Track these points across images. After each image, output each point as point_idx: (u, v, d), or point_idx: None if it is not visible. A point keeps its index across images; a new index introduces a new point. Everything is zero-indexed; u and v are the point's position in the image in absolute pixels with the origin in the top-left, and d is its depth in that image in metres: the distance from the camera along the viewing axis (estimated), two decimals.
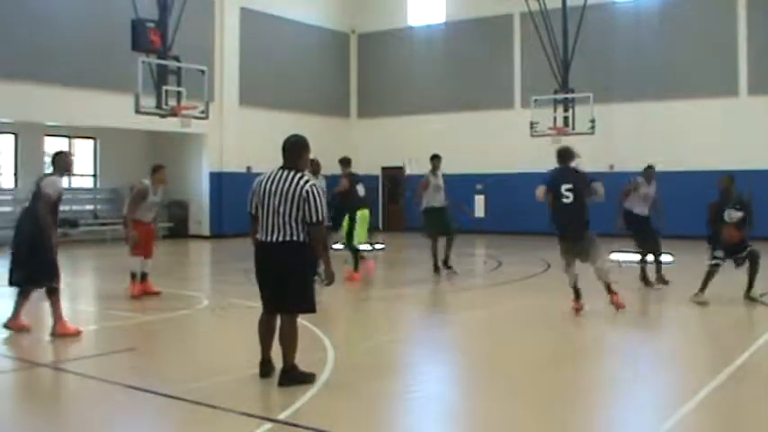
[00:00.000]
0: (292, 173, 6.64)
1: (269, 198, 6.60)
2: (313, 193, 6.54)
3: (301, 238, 6.59)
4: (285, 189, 6.55)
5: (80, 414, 6.36)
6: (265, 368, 6.92)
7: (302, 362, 6.82)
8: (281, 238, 6.58)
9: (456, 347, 9.21)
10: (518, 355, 8.56)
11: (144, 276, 12.40)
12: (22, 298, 9.27)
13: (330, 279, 6.88)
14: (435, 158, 15.28)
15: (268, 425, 5.75)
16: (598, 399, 6.74)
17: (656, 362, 8.29)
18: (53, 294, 9.08)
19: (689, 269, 17.23)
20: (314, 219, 6.55)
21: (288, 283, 6.64)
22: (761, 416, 6.10)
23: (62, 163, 9.38)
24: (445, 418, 6.36)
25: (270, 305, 6.82)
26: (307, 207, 6.52)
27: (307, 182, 6.59)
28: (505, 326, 10.45)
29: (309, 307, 6.80)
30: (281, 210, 6.54)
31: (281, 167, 6.73)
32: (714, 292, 13.42)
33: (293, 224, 6.55)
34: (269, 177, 6.70)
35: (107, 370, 7.63)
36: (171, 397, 6.50)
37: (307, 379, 6.76)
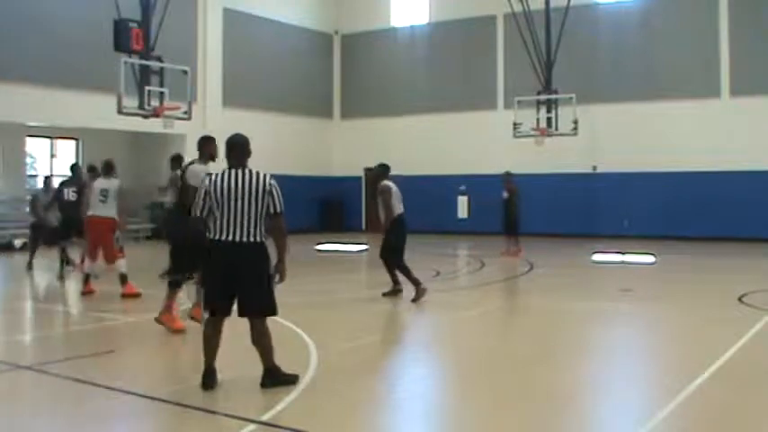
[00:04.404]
0: (248, 170, 6.60)
1: (234, 199, 6.48)
2: (275, 186, 6.59)
3: (262, 238, 6.59)
4: (250, 187, 6.50)
5: (60, 416, 6.30)
6: (211, 379, 6.66)
7: (285, 363, 6.79)
8: (245, 239, 6.50)
9: (440, 348, 9.20)
10: (501, 355, 8.57)
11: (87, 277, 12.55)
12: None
13: (282, 274, 6.75)
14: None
15: (251, 426, 5.72)
16: (580, 398, 6.75)
17: (638, 361, 8.33)
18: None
19: (669, 268, 17.35)
20: (278, 209, 6.58)
21: (258, 285, 6.56)
22: (743, 416, 6.13)
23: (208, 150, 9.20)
24: (429, 418, 6.35)
25: (225, 309, 6.62)
26: (271, 199, 6.54)
27: (266, 176, 6.61)
28: (489, 326, 10.46)
29: (275, 308, 6.73)
30: (250, 209, 6.48)
31: (232, 167, 6.62)
32: (696, 290, 13.51)
33: (259, 223, 6.53)
34: (226, 178, 6.55)
35: (88, 372, 7.56)
36: (153, 399, 6.46)
37: (290, 380, 6.73)
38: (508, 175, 19.95)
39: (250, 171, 6.61)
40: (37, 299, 13.66)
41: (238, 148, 6.71)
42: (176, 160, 14.26)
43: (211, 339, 6.70)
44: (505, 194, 19.66)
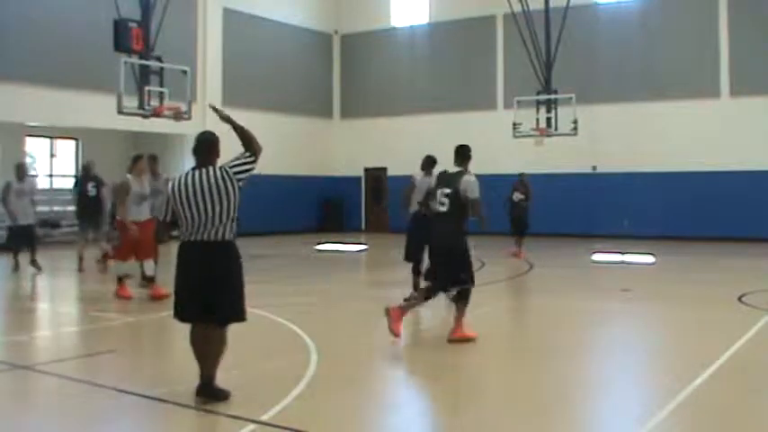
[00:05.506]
0: (210, 169, 6.37)
1: (197, 199, 6.23)
2: (234, 166, 6.37)
3: (231, 237, 6.36)
4: (213, 186, 6.26)
5: (61, 416, 6.31)
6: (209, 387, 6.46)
7: (285, 363, 6.79)
8: (212, 238, 6.27)
9: (441, 348, 9.19)
10: (501, 355, 8.57)
11: (151, 279, 11.91)
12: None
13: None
14: None
15: (251, 426, 5.72)
16: (580, 398, 6.75)
17: (639, 361, 8.32)
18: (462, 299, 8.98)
19: (669, 268, 17.34)
20: (250, 155, 6.44)
21: (228, 289, 6.32)
22: (743, 415, 6.13)
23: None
24: (429, 419, 6.36)
25: (195, 318, 6.37)
26: (243, 169, 6.36)
27: (223, 168, 6.34)
28: (489, 326, 10.44)
29: (245, 314, 6.46)
30: (214, 208, 6.24)
31: (195, 168, 6.43)
32: (696, 290, 13.51)
33: (226, 222, 6.28)
34: (189, 180, 6.33)
35: (88, 371, 7.58)
36: (153, 399, 6.46)
37: (222, 395, 6.33)
38: (522, 175, 19.95)
39: (213, 169, 6.35)
40: (36, 299, 13.65)
41: (204, 147, 6.51)
42: (155, 159, 14.19)
43: (202, 350, 6.46)
44: (519, 195, 19.58)
